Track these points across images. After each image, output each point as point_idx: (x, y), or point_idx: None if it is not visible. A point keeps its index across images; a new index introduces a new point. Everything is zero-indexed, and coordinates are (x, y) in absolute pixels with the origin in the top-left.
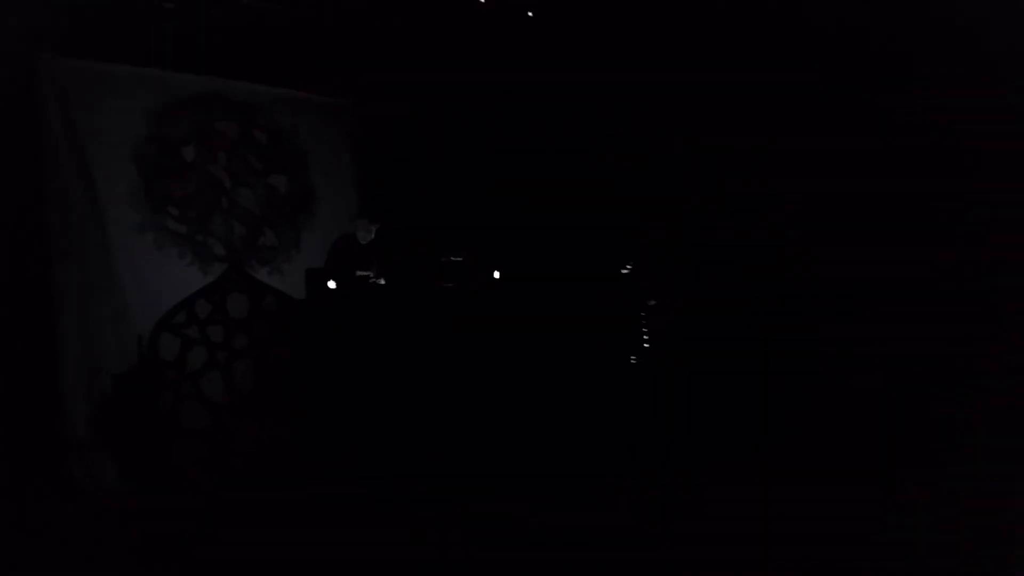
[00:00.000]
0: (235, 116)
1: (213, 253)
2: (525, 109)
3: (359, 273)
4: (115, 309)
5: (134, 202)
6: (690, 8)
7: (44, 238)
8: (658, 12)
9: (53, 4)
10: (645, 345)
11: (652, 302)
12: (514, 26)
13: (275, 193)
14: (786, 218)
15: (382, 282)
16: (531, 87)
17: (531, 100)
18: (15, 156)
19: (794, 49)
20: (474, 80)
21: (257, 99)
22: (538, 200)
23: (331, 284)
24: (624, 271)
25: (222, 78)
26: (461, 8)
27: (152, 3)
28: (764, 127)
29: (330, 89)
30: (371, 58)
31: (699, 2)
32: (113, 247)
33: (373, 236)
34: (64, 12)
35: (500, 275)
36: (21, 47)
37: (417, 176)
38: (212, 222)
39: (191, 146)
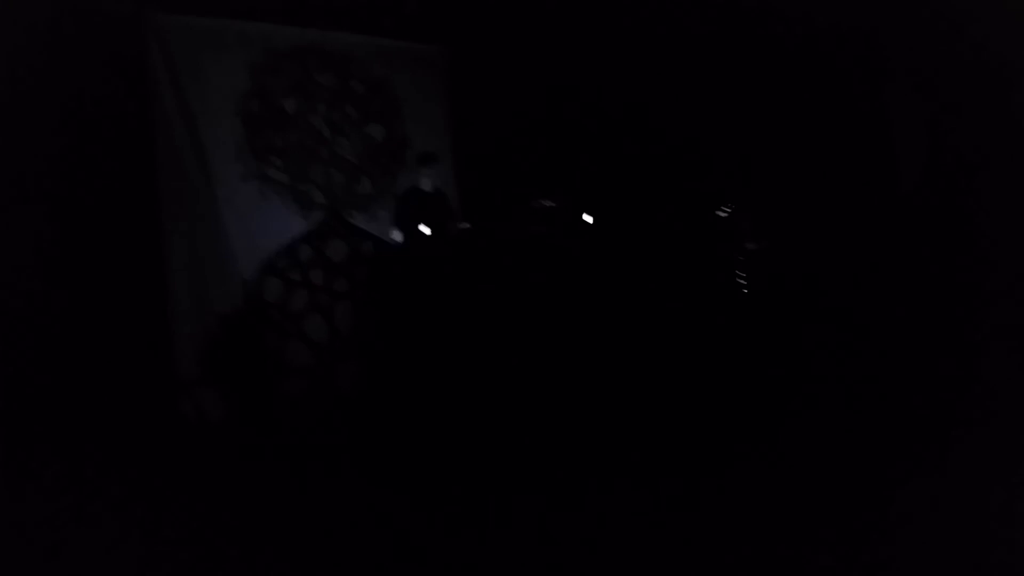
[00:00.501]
0: (333, 67)
1: (313, 201)
2: (620, 52)
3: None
4: (222, 254)
5: (239, 153)
6: None
7: (154, 189)
8: None
9: None
10: (744, 291)
11: (752, 246)
12: None
13: (372, 142)
14: None
15: (466, 225)
16: (632, 30)
17: (630, 43)
18: (125, 111)
19: None
20: (570, 27)
21: (354, 50)
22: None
23: (397, 236)
24: (722, 214)
25: (319, 30)
26: None
27: None
28: None
29: (425, 39)
30: (466, 6)
31: None
32: (219, 196)
33: (432, 182)
34: None
35: (593, 221)
36: (128, 5)
37: (511, 124)
38: (312, 171)
39: (292, 98)
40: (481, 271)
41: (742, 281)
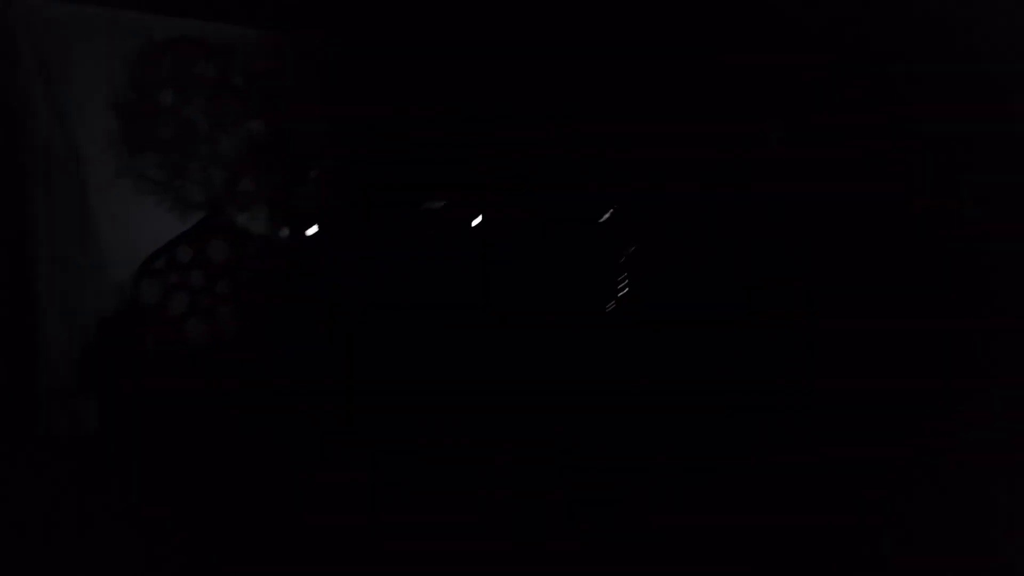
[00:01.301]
0: (213, 59)
1: (192, 199)
2: (514, 48)
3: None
4: (93, 254)
5: (112, 147)
6: None
7: (21, 185)
8: None
9: None
10: (621, 293)
11: (632, 248)
12: None
13: (253, 139)
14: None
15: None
16: (522, 25)
17: (522, 38)
18: None
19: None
20: (456, 23)
21: (235, 42)
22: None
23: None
24: (603, 219)
25: (199, 20)
26: None
27: None
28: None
29: (308, 32)
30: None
31: None
32: (91, 193)
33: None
34: None
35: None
36: None
37: (397, 121)
38: (191, 168)
39: (169, 91)
40: (368, 272)
41: (623, 283)
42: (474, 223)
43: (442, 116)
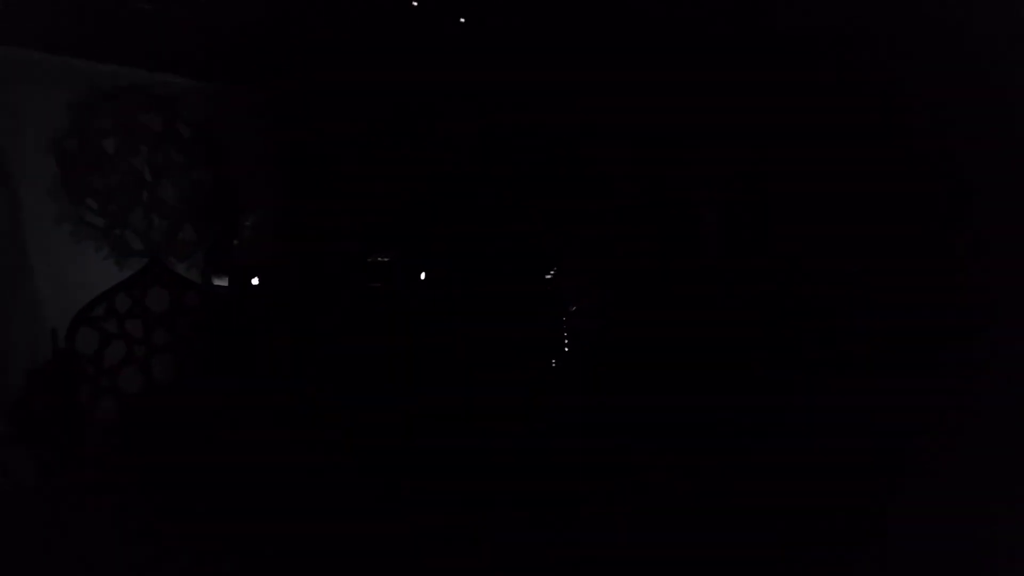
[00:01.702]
0: (158, 108)
1: (131, 247)
2: (450, 105)
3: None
4: (28, 301)
5: (52, 193)
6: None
7: None
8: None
9: None
10: (566, 349)
11: (574, 307)
12: (442, 28)
13: (196, 187)
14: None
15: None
16: (455, 84)
17: (456, 97)
18: None
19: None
20: (398, 77)
21: (181, 92)
22: (465, 201)
23: (255, 280)
24: (548, 276)
25: (146, 71)
26: (388, 7)
27: None
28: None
29: (253, 84)
30: (294, 53)
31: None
32: (28, 238)
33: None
34: None
35: (427, 276)
36: None
37: (341, 174)
38: (132, 215)
39: (112, 138)
40: (314, 323)
41: (565, 342)
42: (421, 276)
43: (387, 169)
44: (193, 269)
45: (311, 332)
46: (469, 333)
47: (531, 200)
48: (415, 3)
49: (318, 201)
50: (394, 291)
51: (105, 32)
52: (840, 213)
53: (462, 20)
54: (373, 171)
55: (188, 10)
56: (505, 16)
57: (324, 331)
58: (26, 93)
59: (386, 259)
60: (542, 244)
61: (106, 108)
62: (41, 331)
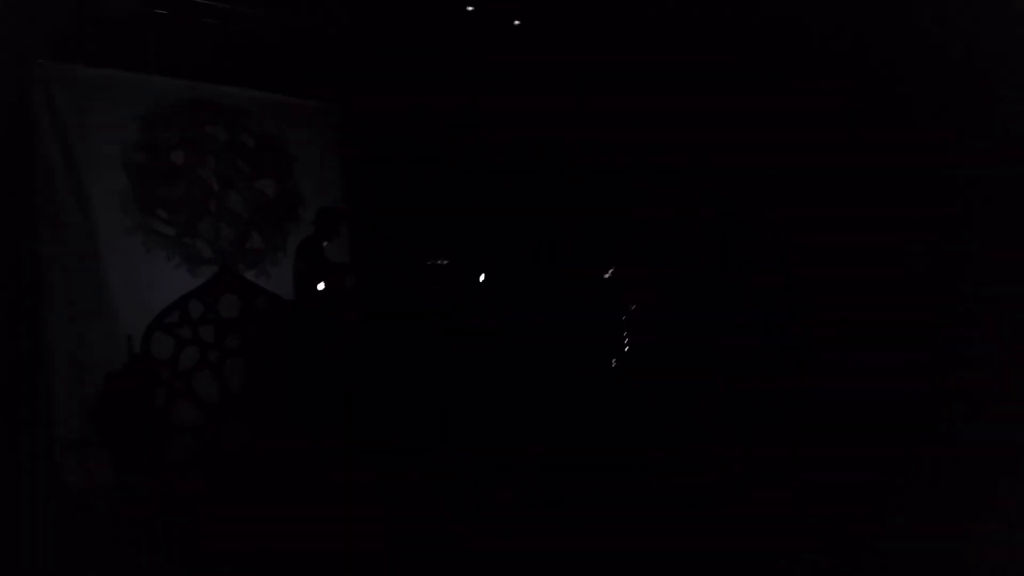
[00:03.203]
0: (224, 121)
1: (201, 255)
2: (511, 114)
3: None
4: (104, 309)
5: (124, 205)
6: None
7: (34, 240)
8: (643, 16)
9: (47, 10)
10: (625, 349)
11: (633, 307)
12: (501, 33)
13: (262, 197)
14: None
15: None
16: (518, 92)
17: (518, 105)
18: (6, 159)
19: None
20: (461, 86)
21: (246, 104)
22: (525, 204)
23: (321, 286)
24: (606, 276)
25: (212, 84)
26: (449, 15)
27: (144, 10)
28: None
29: (317, 95)
30: (357, 65)
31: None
32: (103, 249)
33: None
34: (58, 18)
35: (486, 279)
36: (15, 52)
37: (404, 181)
38: (200, 225)
39: (180, 150)
40: (375, 328)
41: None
42: (480, 279)
43: (448, 178)
44: (261, 276)
45: (373, 335)
46: (527, 334)
47: (590, 200)
48: (470, 7)
49: (379, 206)
50: (453, 293)
51: (172, 48)
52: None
53: (516, 23)
54: (433, 175)
55: (251, 26)
56: (566, 22)
57: (386, 334)
58: (97, 109)
59: (445, 262)
60: (601, 244)
61: (174, 121)
62: (117, 337)
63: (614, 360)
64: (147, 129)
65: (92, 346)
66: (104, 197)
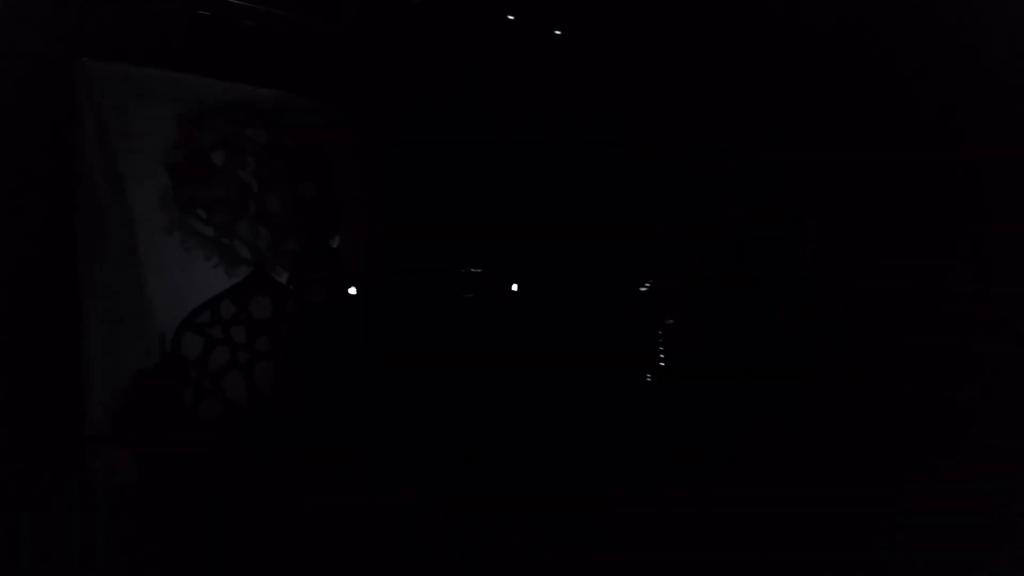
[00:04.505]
0: (264, 123)
1: (239, 256)
2: (548, 121)
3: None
4: (140, 307)
5: (163, 204)
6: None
7: (72, 236)
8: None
9: (91, 9)
10: (661, 364)
11: (670, 321)
12: (538, 40)
13: (301, 199)
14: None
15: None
16: (552, 98)
17: (553, 112)
18: (47, 157)
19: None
20: (499, 93)
21: (286, 107)
22: (560, 213)
23: (352, 290)
24: (643, 289)
25: (252, 85)
26: (488, 23)
27: (187, 9)
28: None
29: (357, 98)
30: (397, 69)
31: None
32: (141, 247)
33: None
34: (99, 16)
35: (519, 288)
36: (56, 50)
37: (440, 187)
38: (239, 225)
39: (220, 151)
40: (406, 334)
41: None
42: (513, 288)
43: (485, 188)
44: (298, 279)
45: (404, 342)
46: (562, 345)
47: (630, 209)
48: (510, 17)
49: (414, 213)
50: (486, 303)
51: (214, 49)
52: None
53: (557, 32)
54: (468, 182)
55: (292, 29)
56: (604, 31)
57: (417, 341)
58: (137, 107)
59: (478, 270)
60: (637, 255)
61: (214, 121)
62: (151, 336)
63: (648, 376)
64: (188, 129)
65: (127, 343)
66: (144, 196)
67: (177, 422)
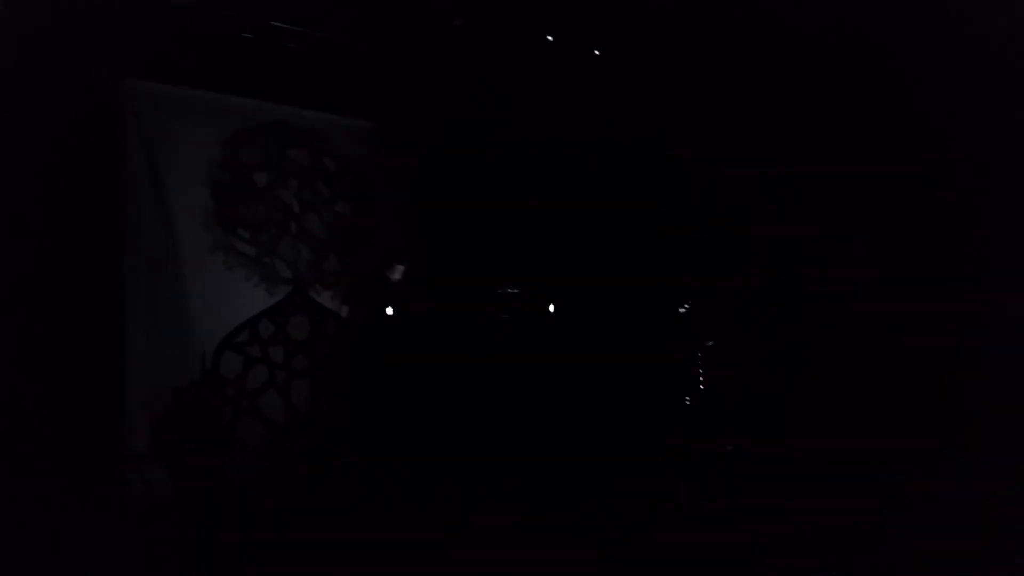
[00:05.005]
0: (306, 144)
1: (279, 275)
2: (586, 146)
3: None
4: (182, 325)
5: (206, 224)
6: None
7: (116, 254)
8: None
9: (137, 31)
10: (700, 387)
11: (709, 343)
12: (579, 63)
13: (341, 219)
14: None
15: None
16: (593, 123)
17: (592, 136)
18: (93, 176)
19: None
20: (538, 116)
21: (327, 128)
22: (597, 234)
23: (389, 310)
24: (681, 310)
25: (295, 107)
26: (528, 44)
27: (230, 32)
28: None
29: (397, 121)
30: (436, 91)
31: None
32: (184, 266)
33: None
34: (147, 38)
35: (556, 308)
36: (105, 70)
37: (478, 208)
38: (280, 245)
39: (263, 172)
40: (443, 353)
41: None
42: (550, 308)
43: (520, 210)
44: (337, 299)
45: (441, 360)
46: (598, 367)
47: (668, 232)
48: (549, 37)
49: (452, 234)
50: (523, 322)
51: (257, 70)
52: None
53: (597, 52)
54: (506, 205)
55: (333, 52)
56: (641, 50)
57: (454, 359)
58: (184, 128)
59: (515, 290)
60: (676, 277)
61: (257, 142)
62: (192, 354)
63: (688, 398)
64: (231, 149)
65: (168, 361)
66: (188, 215)
67: (215, 439)
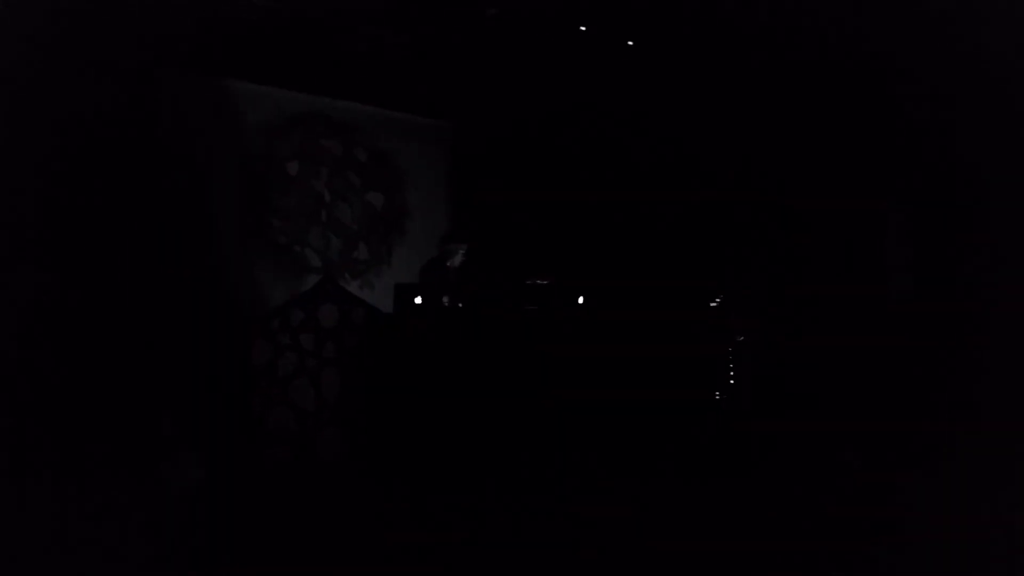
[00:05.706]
0: (338, 134)
1: (310, 264)
2: (619, 136)
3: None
4: (214, 311)
5: (240, 212)
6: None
7: (150, 242)
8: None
9: (175, 22)
10: (731, 381)
11: (740, 338)
12: (613, 52)
13: (371, 209)
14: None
15: (459, 305)
16: (626, 113)
17: (625, 127)
18: (132, 164)
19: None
20: (570, 105)
21: (359, 119)
22: (630, 226)
23: (418, 300)
24: (712, 304)
25: (328, 98)
26: (560, 35)
27: (265, 24)
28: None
29: (428, 111)
30: (468, 83)
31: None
32: (218, 252)
33: (460, 258)
34: (185, 29)
35: (585, 301)
36: (143, 61)
37: (510, 199)
38: (311, 234)
39: (296, 161)
40: (471, 344)
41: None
42: (579, 301)
43: (553, 197)
44: (366, 288)
45: (470, 351)
46: (629, 360)
47: (702, 226)
48: (583, 28)
49: (483, 223)
50: (552, 315)
51: (291, 62)
52: None
53: (630, 43)
54: (538, 193)
55: (366, 43)
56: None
57: (483, 351)
58: (219, 118)
59: (545, 282)
60: (708, 269)
61: (291, 133)
62: (222, 341)
63: (718, 393)
64: (265, 140)
65: (200, 348)
66: (221, 203)
67: (246, 426)
